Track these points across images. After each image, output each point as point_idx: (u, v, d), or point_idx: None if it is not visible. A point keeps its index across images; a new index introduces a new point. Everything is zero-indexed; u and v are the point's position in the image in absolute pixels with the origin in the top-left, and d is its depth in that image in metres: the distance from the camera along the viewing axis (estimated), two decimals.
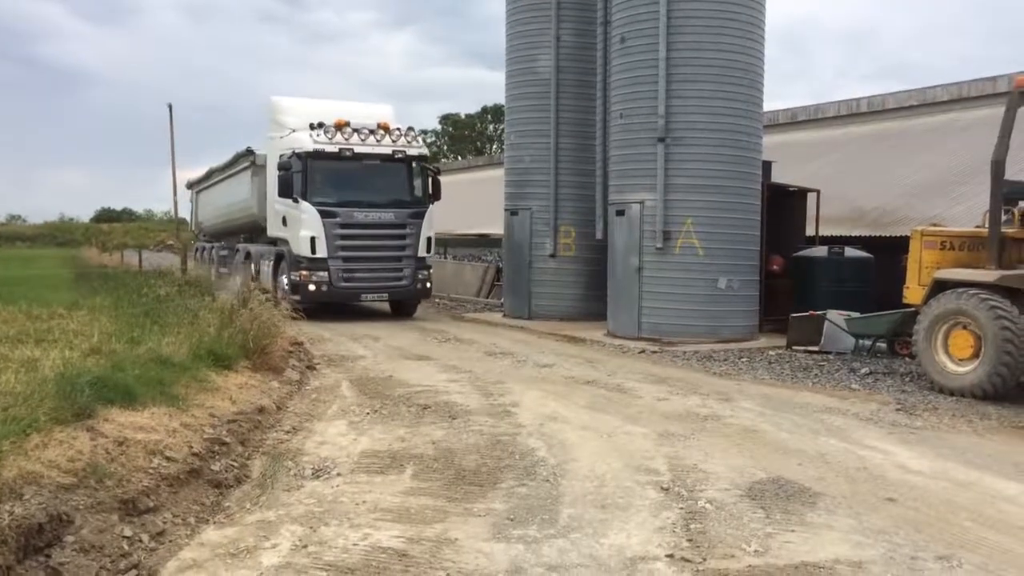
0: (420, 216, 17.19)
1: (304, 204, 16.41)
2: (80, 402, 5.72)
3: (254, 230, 20.76)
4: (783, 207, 15.52)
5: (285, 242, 17.29)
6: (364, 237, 16.68)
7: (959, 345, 9.64)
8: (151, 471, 5.39)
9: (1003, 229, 9.92)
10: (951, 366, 9.72)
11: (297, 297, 15.62)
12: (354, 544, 4.87)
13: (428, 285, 17.63)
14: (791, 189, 16.11)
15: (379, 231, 16.79)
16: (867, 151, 20.10)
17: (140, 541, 4.75)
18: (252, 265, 19.84)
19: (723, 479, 6.17)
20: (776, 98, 75.59)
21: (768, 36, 14.24)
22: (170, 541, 4.90)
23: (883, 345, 12.57)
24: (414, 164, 17.26)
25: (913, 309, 10.54)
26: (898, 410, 8.87)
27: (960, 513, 5.57)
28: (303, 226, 16.43)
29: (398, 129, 17.19)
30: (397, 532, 5.06)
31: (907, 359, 11.65)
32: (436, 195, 17.46)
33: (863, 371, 11.11)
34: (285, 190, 16.33)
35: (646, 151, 13.77)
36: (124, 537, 4.69)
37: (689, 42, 13.44)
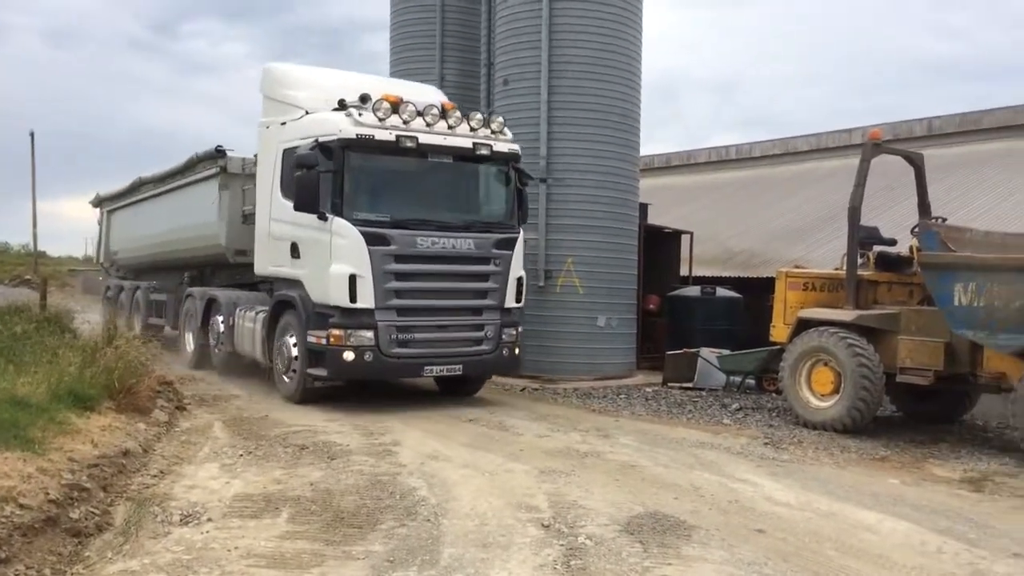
0: (509, 245, 11.27)
1: (339, 223, 10.23)
2: None
3: (210, 265, 15.20)
4: (659, 248, 16.06)
5: (294, 283, 11.09)
6: (431, 276, 10.73)
7: (821, 381, 10.16)
8: (2, 520, 5.00)
9: (859, 271, 10.56)
10: (814, 401, 10.22)
11: (321, 371, 10.45)
12: None
13: (517, 352, 11.58)
14: (666, 231, 16.70)
15: (453, 267, 10.87)
16: (736, 196, 21.11)
17: None
18: (223, 319, 13.13)
19: (602, 514, 6.26)
20: (651, 143, 78.74)
21: (644, 84, 14.81)
22: None
23: (752, 381, 13.10)
24: (504, 167, 11.46)
25: (779, 347, 11.05)
26: (766, 444, 9.24)
27: (824, 543, 5.82)
28: (336, 257, 10.28)
29: (479, 113, 11.37)
30: None
31: (774, 395, 12.18)
32: (524, 214, 11.82)
33: (734, 407, 11.54)
34: (306, 200, 10.27)
35: (528, 191, 13.97)
36: None
37: (570, 87, 13.81)
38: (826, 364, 10.10)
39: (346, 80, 11.88)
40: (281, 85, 12.10)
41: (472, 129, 11.07)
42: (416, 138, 10.49)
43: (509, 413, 10.74)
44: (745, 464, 8.22)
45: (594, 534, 5.79)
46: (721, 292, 14.96)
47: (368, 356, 10.29)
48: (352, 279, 10.19)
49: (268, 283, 12.28)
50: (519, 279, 11.44)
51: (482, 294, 11.09)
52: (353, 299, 10.21)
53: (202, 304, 14.01)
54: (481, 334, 11.08)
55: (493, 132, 11.26)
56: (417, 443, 8.68)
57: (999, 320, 8.70)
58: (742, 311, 14.80)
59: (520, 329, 11.62)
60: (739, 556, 5.45)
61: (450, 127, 10.86)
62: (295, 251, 11.01)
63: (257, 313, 12.08)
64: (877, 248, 11.14)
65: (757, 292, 13.81)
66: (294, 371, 10.99)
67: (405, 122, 10.51)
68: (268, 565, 5.10)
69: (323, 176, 10.29)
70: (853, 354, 9.74)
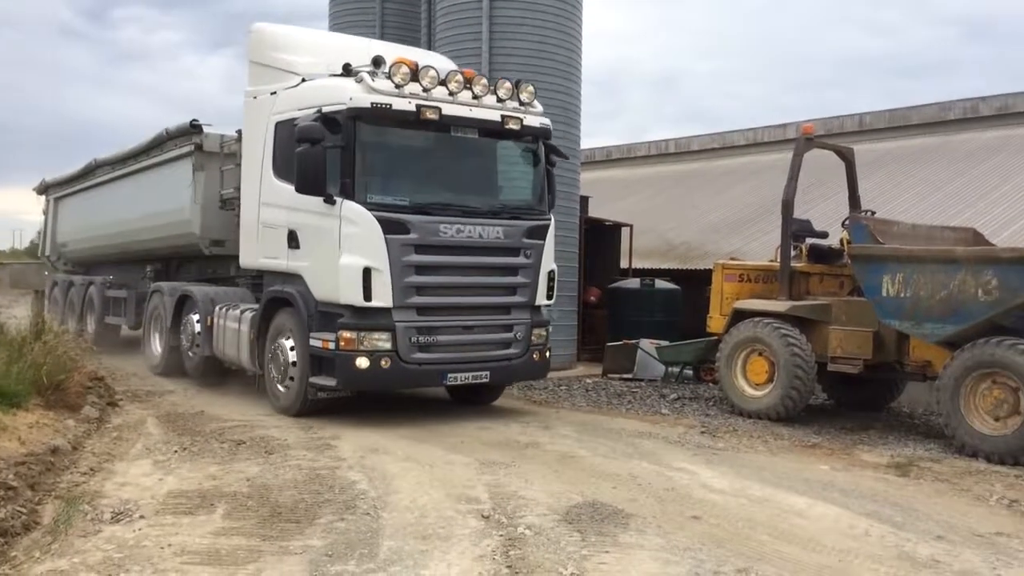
0: (541, 234, 10.04)
1: (350, 207, 8.93)
2: None
3: (179, 257, 13.86)
4: (600, 240, 16.19)
5: (291, 278, 9.72)
6: (455, 270, 9.51)
7: (755, 371, 10.37)
8: None
9: (792, 263, 10.81)
10: (749, 390, 10.44)
11: (328, 381, 9.15)
12: None
13: (548, 355, 10.40)
14: (607, 223, 16.84)
15: (480, 259, 9.62)
16: (675, 189, 21.40)
17: None
18: (199, 319, 11.62)
19: (542, 504, 6.30)
20: (591, 136, 79.14)
21: (585, 77, 14.91)
22: None
23: (690, 372, 13.31)
24: (534, 144, 10.19)
25: (716, 337, 11.25)
26: (702, 433, 9.41)
27: (757, 528, 5.96)
28: (347, 248, 8.97)
29: (507, 81, 9.91)
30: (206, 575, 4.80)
31: (711, 384, 12.41)
32: (553, 199, 10.50)
33: (672, 397, 11.72)
34: (310, 181, 8.93)
35: None
36: None
37: (511, 79, 13.78)
38: (761, 354, 10.32)
39: (349, 44, 10.77)
40: (272, 48, 10.55)
41: (499, 100, 9.73)
42: (439, 108, 9.16)
43: (449, 406, 10.74)
44: (682, 453, 8.36)
45: (533, 524, 5.83)
46: (660, 284, 15.16)
47: (385, 363, 9.01)
48: (367, 273, 8.88)
49: (249, 277, 11.20)
50: (551, 273, 10.16)
51: (511, 290, 9.84)
52: (368, 296, 8.89)
53: (172, 301, 12.37)
54: (510, 335, 9.83)
55: (523, 103, 9.88)
56: (357, 436, 8.62)
57: (924, 310, 9.00)
58: (681, 303, 15.02)
59: (550, 329, 10.43)
60: (675, 543, 5.54)
61: (475, 97, 9.54)
62: (293, 240, 9.61)
63: (243, 312, 10.61)
64: (809, 240, 11.41)
65: (695, 284, 14.02)
66: (292, 379, 9.62)
67: (425, 90, 9.15)
68: (203, 562, 5.02)
69: (329, 153, 8.92)
70: (786, 344, 9.97)
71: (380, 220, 8.90)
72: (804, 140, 10.97)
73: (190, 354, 12.04)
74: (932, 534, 5.97)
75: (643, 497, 6.63)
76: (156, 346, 13.13)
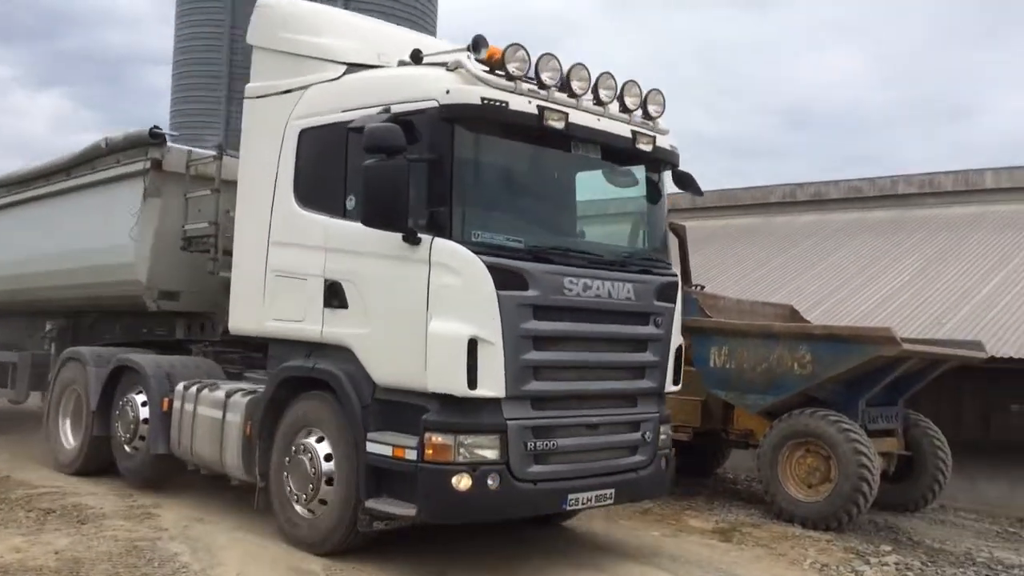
0: (671, 295, 7.21)
1: (446, 247, 6.08)
2: None
3: (100, 311, 10.58)
4: None
5: (327, 350, 6.77)
6: (581, 343, 6.62)
7: None
8: None
9: None
10: None
11: (407, 509, 6.07)
12: None
13: (673, 460, 7.85)
14: None
15: (608, 328, 6.76)
16: None
17: None
18: (146, 400, 8.55)
19: None
20: None
21: None
22: None
23: None
24: (655, 174, 7.55)
25: None
26: None
27: None
28: (440, 308, 6.05)
29: (636, 86, 7.07)
30: None
31: None
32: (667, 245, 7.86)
33: None
34: (386, 208, 6.06)
35: None
36: None
37: None
38: None
39: (394, 32, 8.33)
40: (296, 29, 7.67)
41: (627, 110, 7.05)
42: (567, 115, 6.46)
43: None
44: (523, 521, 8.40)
45: None
46: None
47: (492, 481, 6.00)
48: (472, 347, 5.93)
49: (211, 344, 8.83)
50: (679, 349, 7.39)
51: (639, 372, 6.99)
52: (472, 382, 5.92)
53: (102, 374, 9.00)
54: (637, 436, 6.94)
55: (651, 118, 7.20)
56: (182, 504, 8.15)
57: (747, 381, 9.57)
58: None
59: (672, 426, 7.64)
60: None
61: (599, 103, 6.84)
62: (336, 296, 6.66)
63: (230, 395, 7.56)
64: None
65: None
66: (325, 502, 6.61)
67: (543, 87, 6.45)
68: None
69: (413, 167, 6.08)
70: None
71: (492, 268, 6.05)
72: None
73: (127, 449, 8.75)
74: None
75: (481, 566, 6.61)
76: (68, 436, 9.61)
